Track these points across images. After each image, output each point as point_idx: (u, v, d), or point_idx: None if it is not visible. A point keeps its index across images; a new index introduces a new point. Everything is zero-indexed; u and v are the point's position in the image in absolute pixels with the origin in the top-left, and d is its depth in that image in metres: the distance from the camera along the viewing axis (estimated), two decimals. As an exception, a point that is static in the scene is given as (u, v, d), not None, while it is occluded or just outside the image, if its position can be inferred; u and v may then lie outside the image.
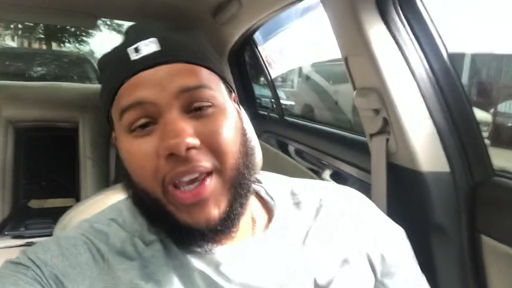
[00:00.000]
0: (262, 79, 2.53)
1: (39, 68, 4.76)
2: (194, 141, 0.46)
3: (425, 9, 0.91)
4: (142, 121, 0.48)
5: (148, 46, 0.50)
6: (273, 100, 2.20)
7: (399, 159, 0.95)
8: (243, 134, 0.54)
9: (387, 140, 0.96)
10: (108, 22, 12.21)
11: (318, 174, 1.50)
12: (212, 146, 0.48)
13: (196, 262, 0.50)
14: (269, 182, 0.64)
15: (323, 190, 0.63)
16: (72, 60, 5.37)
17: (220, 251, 0.51)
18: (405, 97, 0.90)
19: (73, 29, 11.61)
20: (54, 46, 12.33)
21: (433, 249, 0.87)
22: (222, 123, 0.49)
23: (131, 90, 0.49)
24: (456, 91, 0.90)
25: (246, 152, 0.53)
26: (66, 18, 1.97)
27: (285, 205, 0.60)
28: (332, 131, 1.56)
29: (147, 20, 2.10)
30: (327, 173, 1.44)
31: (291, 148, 1.82)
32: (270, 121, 2.08)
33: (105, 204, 0.63)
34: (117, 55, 0.52)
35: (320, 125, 1.76)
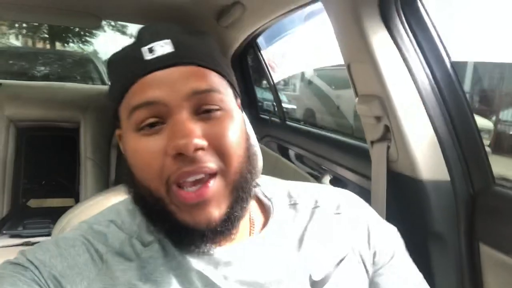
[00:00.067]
0: (264, 82, 2.54)
1: (42, 68, 4.76)
2: (202, 142, 0.47)
3: (428, 16, 0.91)
4: (152, 120, 0.48)
5: (163, 47, 0.51)
6: (274, 103, 2.20)
7: (400, 166, 0.94)
8: (247, 139, 0.55)
9: (388, 147, 0.96)
10: (112, 23, 12.24)
11: (318, 179, 1.50)
12: (219, 148, 0.48)
13: (194, 263, 0.50)
14: (266, 184, 0.64)
15: (319, 191, 0.64)
16: (75, 60, 5.36)
17: (218, 251, 0.52)
18: (407, 104, 0.90)
19: (77, 29, 11.64)
20: (58, 46, 12.37)
21: (432, 257, 0.87)
22: (229, 126, 0.50)
23: (143, 89, 0.49)
24: (458, 99, 0.90)
25: (249, 157, 0.53)
26: (70, 19, 1.98)
27: (282, 206, 0.61)
28: (333, 137, 1.56)
29: (151, 22, 2.11)
30: (327, 179, 1.44)
31: (291, 153, 1.82)
32: (272, 125, 2.08)
33: (104, 205, 0.63)
34: (131, 54, 0.52)
35: (321, 130, 1.76)
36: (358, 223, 0.61)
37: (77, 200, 2.14)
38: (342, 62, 1.06)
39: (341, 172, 1.34)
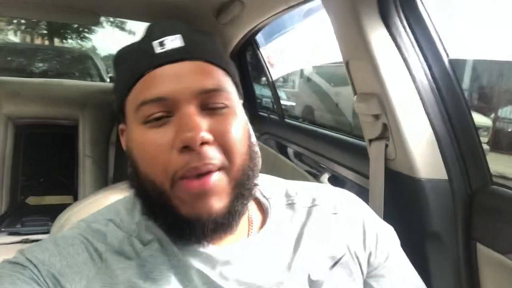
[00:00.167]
0: (263, 79, 2.53)
1: (41, 64, 4.75)
2: (208, 136, 0.48)
3: (427, 14, 0.90)
4: (160, 114, 0.49)
5: (173, 42, 0.52)
6: (273, 101, 2.20)
7: (398, 165, 0.94)
8: (250, 137, 0.56)
9: (386, 145, 0.96)
10: (111, 19, 12.22)
11: (316, 177, 1.50)
12: (223, 144, 0.49)
13: (193, 261, 0.50)
14: (264, 184, 0.65)
15: (317, 191, 0.65)
16: (74, 56, 5.36)
17: (217, 250, 0.52)
18: (405, 103, 0.90)
19: (75, 26, 11.62)
20: (57, 42, 12.35)
21: (429, 256, 0.87)
22: (233, 123, 0.51)
23: (153, 82, 0.50)
24: (456, 98, 0.90)
25: (251, 154, 0.54)
26: (68, 15, 1.97)
27: (279, 206, 0.61)
28: (332, 135, 1.56)
29: (150, 19, 2.11)
30: (325, 177, 1.44)
31: (290, 151, 1.82)
32: (270, 123, 2.08)
33: (103, 204, 0.63)
34: (141, 48, 0.53)
35: (320, 128, 1.76)
36: (355, 222, 0.61)
37: (75, 198, 2.14)
38: (341, 60, 1.06)
39: (339, 170, 1.34)
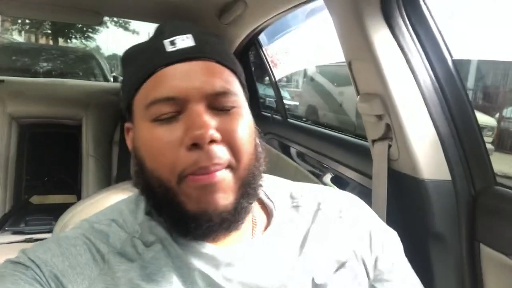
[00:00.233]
0: (266, 78, 2.53)
1: (45, 64, 4.77)
2: (217, 135, 0.48)
3: (430, 14, 0.90)
4: (171, 114, 0.50)
5: (184, 41, 0.52)
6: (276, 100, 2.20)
7: (401, 165, 0.94)
8: (256, 137, 0.56)
9: (389, 146, 0.96)
10: (115, 19, 12.27)
11: (319, 178, 1.49)
12: (231, 143, 0.50)
13: (196, 262, 0.50)
14: (269, 185, 0.64)
15: (322, 194, 0.64)
16: (78, 56, 5.37)
17: (221, 251, 0.52)
18: (408, 103, 0.90)
19: (79, 25, 11.67)
20: (61, 41, 12.41)
21: (432, 257, 0.87)
22: (241, 123, 0.52)
23: (164, 81, 0.50)
24: (460, 98, 0.90)
25: (257, 154, 0.54)
26: (71, 15, 1.98)
27: (284, 208, 0.61)
28: (335, 135, 1.55)
29: (153, 19, 2.12)
30: (328, 177, 1.44)
31: (293, 151, 1.82)
32: (273, 123, 2.08)
33: (106, 204, 0.63)
34: (152, 46, 0.54)
35: (323, 128, 1.76)
36: (360, 227, 0.61)
37: (79, 197, 2.14)
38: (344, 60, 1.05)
39: (342, 171, 1.33)
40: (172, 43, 0.52)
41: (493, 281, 0.81)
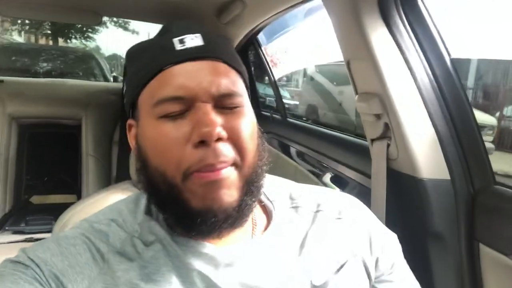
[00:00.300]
0: (266, 78, 2.53)
1: (44, 64, 4.77)
2: (223, 132, 0.49)
3: (428, 13, 0.90)
4: (177, 112, 0.50)
5: (193, 40, 0.52)
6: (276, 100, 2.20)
7: (400, 165, 0.94)
8: (259, 136, 0.56)
9: (388, 145, 0.96)
10: (115, 19, 12.27)
11: (319, 177, 1.49)
12: (236, 142, 0.50)
13: (195, 262, 0.50)
14: (269, 186, 0.64)
15: (321, 195, 0.64)
16: (77, 56, 5.36)
17: (220, 251, 0.52)
18: (406, 102, 0.90)
19: (79, 26, 11.67)
20: (61, 42, 12.41)
21: (431, 257, 0.87)
22: (245, 122, 0.52)
23: (173, 79, 0.50)
24: (458, 97, 0.89)
25: (260, 154, 0.55)
26: (70, 16, 1.98)
27: (283, 209, 0.61)
28: (334, 134, 1.55)
29: (151, 19, 2.12)
30: (328, 176, 1.44)
31: (292, 150, 1.82)
32: (273, 122, 2.07)
33: (105, 203, 0.63)
34: (160, 44, 0.54)
35: (322, 127, 1.76)
36: (359, 228, 0.61)
37: (79, 197, 2.15)
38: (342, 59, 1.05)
39: (341, 170, 1.33)
40: (181, 41, 0.52)
41: (492, 280, 0.81)
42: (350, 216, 0.61)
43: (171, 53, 0.52)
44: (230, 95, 0.51)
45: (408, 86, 0.90)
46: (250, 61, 2.29)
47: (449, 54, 0.90)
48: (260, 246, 0.54)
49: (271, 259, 0.54)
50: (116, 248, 0.51)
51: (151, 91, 0.52)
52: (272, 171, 0.73)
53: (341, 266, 0.56)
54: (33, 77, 3.62)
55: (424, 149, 0.89)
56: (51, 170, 2.24)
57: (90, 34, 12.97)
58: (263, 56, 2.07)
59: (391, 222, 0.82)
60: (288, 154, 1.82)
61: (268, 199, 0.62)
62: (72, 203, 0.96)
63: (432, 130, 0.89)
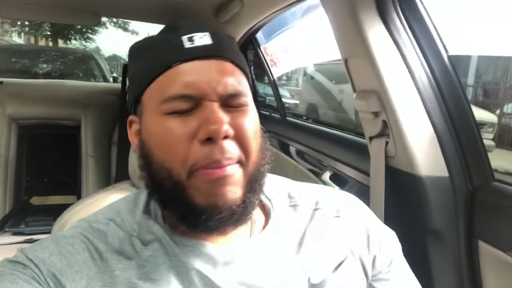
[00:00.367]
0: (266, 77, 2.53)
1: (44, 65, 4.78)
2: (231, 130, 0.49)
3: (426, 9, 0.89)
4: (185, 109, 0.50)
5: (202, 39, 0.53)
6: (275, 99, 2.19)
7: (398, 162, 0.94)
8: (261, 136, 0.56)
9: (386, 143, 0.96)
10: (114, 20, 12.28)
11: (318, 176, 1.49)
12: (241, 140, 0.51)
13: (194, 261, 0.50)
14: (268, 185, 0.64)
15: (320, 193, 0.64)
16: (77, 57, 5.38)
17: (219, 250, 0.52)
18: (404, 100, 0.89)
19: (79, 27, 11.68)
20: (60, 43, 12.43)
21: (430, 254, 0.86)
22: (250, 121, 0.53)
23: (182, 77, 0.50)
24: (456, 94, 0.89)
25: (263, 153, 0.55)
26: (68, 16, 1.98)
27: (282, 207, 0.61)
28: (333, 133, 1.55)
29: (149, 19, 2.12)
30: (327, 175, 1.44)
31: (292, 149, 1.82)
32: (272, 121, 2.07)
33: (104, 203, 0.63)
34: (168, 41, 0.53)
35: (321, 126, 1.76)
36: (357, 226, 0.61)
37: (79, 198, 2.15)
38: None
39: (341, 168, 1.33)
40: (190, 39, 0.52)
41: (491, 277, 0.81)
42: (348, 214, 0.62)
43: (180, 50, 0.52)
44: (236, 95, 0.52)
45: (406, 83, 0.89)
46: (249, 60, 2.29)
47: (446, 51, 0.90)
48: (258, 245, 0.55)
49: (270, 258, 0.54)
50: (115, 247, 0.52)
51: (159, 87, 0.52)
52: (271, 170, 0.73)
53: (339, 264, 0.56)
54: (33, 79, 3.62)
55: (423, 147, 0.89)
56: (51, 171, 2.24)
57: (90, 35, 12.98)
58: (262, 55, 2.07)
59: (389, 219, 0.82)
60: (288, 153, 1.82)
61: (267, 197, 0.62)
62: (72, 204, 0.96)
63: (430, 127, 0.89)
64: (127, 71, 0.60)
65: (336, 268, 0.55)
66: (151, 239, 0.53)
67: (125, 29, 13.39)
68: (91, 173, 2.09)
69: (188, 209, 0.49)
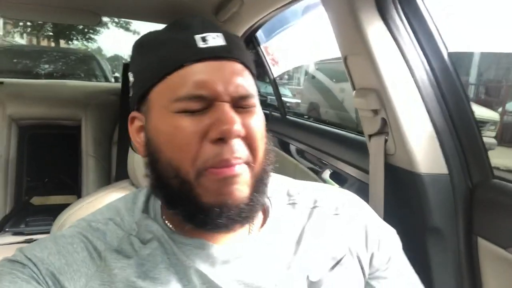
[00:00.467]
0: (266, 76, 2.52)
1: (46, 66, 4.79)
2: (242, 131, 0.50)
3: (425, 7, 0.89)
4: (196, 108, 0.50)
5: (215, 39, 0.52)
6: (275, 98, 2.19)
7: (397, 160, 0.93)
8: (265, 136, 0.57)
9: (386, 140, 0.95)
10: (116, 20, 12.31)
11: (318, 174, 1.49)
12: (250, 140, 0.51)
13: (192, 260, 0.51)
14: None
15: (319, 192, 0.64)
16: (78, 58, 5.38)
17: (217, 249, 0.52)
18: (404, 97, 0.89)
19: (81, 27, 11.71)
20: (62, 43, 12.46)
21: (429, 251, 0.86)
22: (258, 122, 0.53)
23: (195, 77, 0.50)
24: (456, 91, 0.89)
25: (268, 153, 0.55)
26: (69, 16, 1.98)
27: (280, 205, 0.61)
28: (333, 131, 1.55)
29: (149, 18, 2.12)
30: (327, 173, 1.43)
31: (292, 147, 1.82)
32: (272, 120, 2.07)
33: (103, 202, 0.63)
34: (180, 39, 0.53)
35: (321, 124, 1.75)
36: (356, 224, 0.61)
37: (79, 197, 2.14)
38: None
39: (341, 166, 1.33)
40: (204, 39, 0.52)
41: (490, 275, 0.81)
42: (347, 212, 0.62)
43: (193, 50, 0.51)
44: (247, 96, 0.52)
45: (405, 81, 0.89)
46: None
47: (446, 48, 0.90)
48: (257, 243, 0.55)
49: (268, 256, 0.54)
50: (113, 246, 0.52)
51: (170, 86, 0.51)
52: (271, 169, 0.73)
53: (337, 262, 0.56)
54: (34, 79, 3.63)
55: (422, 144, 0.88)
56: (51, 171, 2.25)
57: (92, 36, 13.01)
58: (262, 54, 2.06)
59: (389, 217, 0.81)
60: (287, 152, 1.82)
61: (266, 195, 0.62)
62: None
63: (429, 125, 0.89)
64: (127, 70, 0.60)
65: (334, 266, 0.56)
66: (150, 238, 0.53)
67: (127, 29, 13.42)
68: (91, 173, 2.10)
69: (196, 208, 0.49)
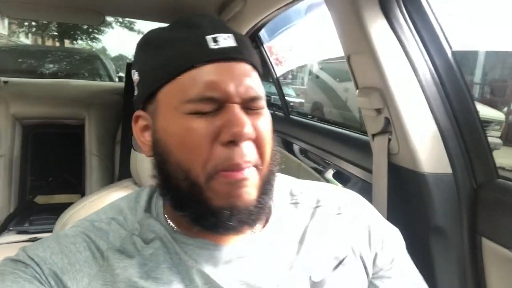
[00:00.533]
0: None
1: (51, 65, 4.81)
2: (253, 133, 0.50)
3: (429, 5, 0.88)
4: (207, 110, 0.50)
5: (226, 40, 0.52)
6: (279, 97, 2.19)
7: (401, 159, 0.93)
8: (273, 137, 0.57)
9: (389, 140, 0.95)
10: (120, 20, 12.34)
11: (321, 174, 1.49)
12: (259, 143, 0.51)
13: (194, 260, 0.51)
14: None
15: (322, 191, 0.64)
16: (83, 57, 5.41)
17: (219, 249, 0.52)
18: (407, 96, 0.88)
19: (85, 27, 11.76)
20: (67, 43, 12.52)
21: (433, 251, 0.86)
22: (267, 124, 0.53)
23: (206, 79, 0.50)
24: (460, 90, 0.88)
25: (274, 154, 0.55)
26: (72, 16, 1.99)
27: (283, 205, 0.61)
28: (336, 130, 1.55)
29: (152, 17, 2.12)
30: (330, 173, 1.43)
31: (295, 147, 1.81)
32: (275, 120, 2.07)
33: (106, 201, 0.63)
34: (191, 39, 0.52)
35: (325, 124, 1.75)
36: (359, 224, 0.61)
37: (83, 196, 2.16)
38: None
39: (344, 166, 1.32)
40: (215, 40, 0.51)
41: (495, 275, 0.80)
42: (350, 212, 0.61)
43: (205, 51, 0.50)
44: (257, 98, 0.52)
45: (409, 80, 0.88)
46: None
47: (450, 47, 0.89)
48: (259, 243, 0.55)
49: (271, 256, 0.54)
50: (116, 246, 0.52)
51: (180, 87, 0.50)
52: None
53: (340, 262, 0.56)
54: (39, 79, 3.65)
55: (426, 143, 0.88)
56: (55, 170, 2.25)
57: (96, 35, 13.05)
58: (265, 54, 2.06)
59: (392, 217, 0.81)
60: (291, 151, 1.81)
61: None
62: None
63: (433, 124, 0.88)
64: (130, 69, 0.59)
65: (337, 266, 0.55)
66: (152, 238, 0.53)
67: (131, 29, 13.45)
68: (95, 172, 2.10)
69: (206, 211, 0.49)
